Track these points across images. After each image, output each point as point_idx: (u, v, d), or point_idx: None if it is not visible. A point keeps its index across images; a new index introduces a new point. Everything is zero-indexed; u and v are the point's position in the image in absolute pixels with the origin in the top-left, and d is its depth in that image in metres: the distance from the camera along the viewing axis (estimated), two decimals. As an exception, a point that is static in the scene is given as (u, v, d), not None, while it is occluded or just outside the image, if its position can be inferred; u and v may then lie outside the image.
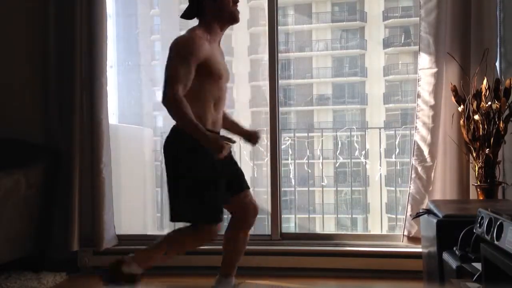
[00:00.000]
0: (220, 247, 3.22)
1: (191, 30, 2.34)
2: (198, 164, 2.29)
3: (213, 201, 2.32)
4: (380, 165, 5.48)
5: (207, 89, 2.32)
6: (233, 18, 2.41)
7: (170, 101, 2.18)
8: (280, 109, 3.39)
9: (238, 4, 2.41)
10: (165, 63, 2.25)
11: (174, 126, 2.36)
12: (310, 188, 5.62)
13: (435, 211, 2.25)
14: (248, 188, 2.56)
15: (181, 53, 2.25)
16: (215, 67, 2.33)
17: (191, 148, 2.27)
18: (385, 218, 5.24)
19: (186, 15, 2.42)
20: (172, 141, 2.35)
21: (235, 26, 2.50)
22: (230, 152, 2.45)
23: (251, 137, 2.57)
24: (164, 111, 2.21)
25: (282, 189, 3.51)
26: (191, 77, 2.24)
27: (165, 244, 2.39)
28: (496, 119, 2.69)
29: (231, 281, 2.56)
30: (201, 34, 2.31)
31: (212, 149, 2.20)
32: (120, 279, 2.28)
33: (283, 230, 3.36)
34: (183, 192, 2.31)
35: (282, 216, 3.39)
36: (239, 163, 2.61)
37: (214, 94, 2.35)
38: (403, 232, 3.06)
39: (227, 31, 2.47)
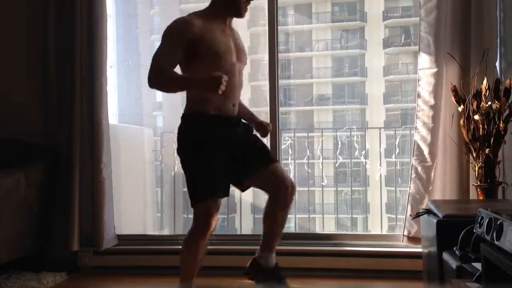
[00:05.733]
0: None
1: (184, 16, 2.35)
2: (203, 156, 2.29)
3: (206, 178, 2.29)
4: (380, 165, 5.48)
5: (203, 71, 2.25)
6: (238, 13, 2.39)
7: (150, 78, 2.22)
8: (280, 109, 3.39)
9: (251, 2, 2.39)
10: None
11: (183, 114, 2.37)
12: (310, 188, 5.61)
13: (435, 211, 2.25)
14: (274, 162, 2.48)
15: (165, 36, 2.29)
16: (210, 46, 2.28)
17: (199, 142, 2.29)
18: (385, 218, 5.24)
19: None
20: (183, 133, 2.36)
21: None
22: (249, 129, 2.49)
23: (261, 127, 2.58)
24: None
25: (282, 189, 3.50)
26: (175, 57, 2.26)
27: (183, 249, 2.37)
28: (496, 119, 2.69)
29: (272, 257, 2.53)
30: (192, 17, 2.30)
31: (210, 87, 2.18)
32: None
33: (283, 230, 3.35)
34: (188, 177, 2.34)
35: (282, 216, 3.38)
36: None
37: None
38: (403, 232, 3.06)
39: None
